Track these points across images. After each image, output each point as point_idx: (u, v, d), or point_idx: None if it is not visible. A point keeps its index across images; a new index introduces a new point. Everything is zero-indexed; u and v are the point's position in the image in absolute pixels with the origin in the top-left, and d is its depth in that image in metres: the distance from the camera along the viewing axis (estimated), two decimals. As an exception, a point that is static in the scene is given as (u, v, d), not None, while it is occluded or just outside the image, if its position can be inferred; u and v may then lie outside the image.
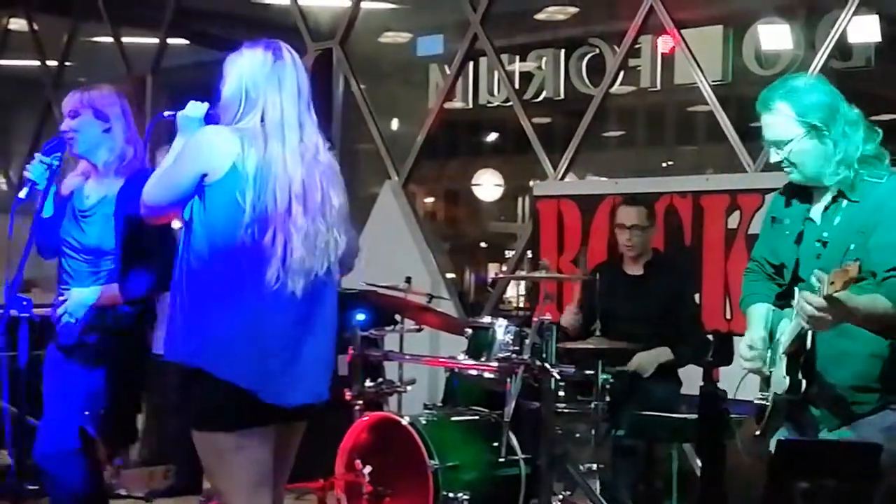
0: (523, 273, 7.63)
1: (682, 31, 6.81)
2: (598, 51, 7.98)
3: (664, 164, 9.12)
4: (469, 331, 5.13)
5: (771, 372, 3.32)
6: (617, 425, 5.05)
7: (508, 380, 4.81)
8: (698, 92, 6.75)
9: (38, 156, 4.10)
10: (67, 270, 4.18)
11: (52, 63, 11.29)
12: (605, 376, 4.99)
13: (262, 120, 3.29)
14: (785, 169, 3.36)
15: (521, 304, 9.35)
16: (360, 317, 5.35)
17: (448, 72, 8.31)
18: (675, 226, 6.21)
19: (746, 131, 6.32)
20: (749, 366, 3.34)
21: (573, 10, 8.61)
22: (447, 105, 8.42)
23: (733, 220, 6.00)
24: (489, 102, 8.72)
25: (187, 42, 10.65)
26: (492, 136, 10.56)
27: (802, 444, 3.28)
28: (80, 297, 4.10)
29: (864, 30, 6.41)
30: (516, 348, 4.90)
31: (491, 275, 10.41)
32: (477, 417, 5.13)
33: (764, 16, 7.06)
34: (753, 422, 3.38)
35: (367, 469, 4.90)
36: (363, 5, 8.60)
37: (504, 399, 4.81)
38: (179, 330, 3.29)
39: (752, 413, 3.41)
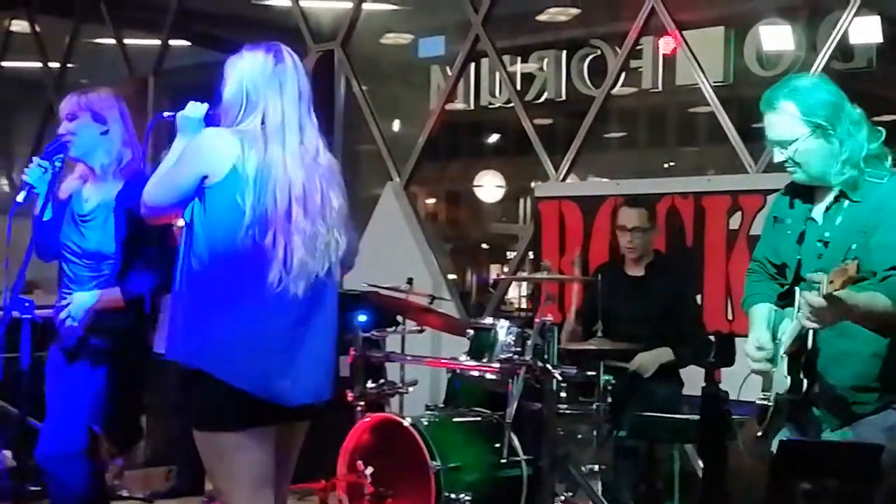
0: (525, 274, 7.64)
1: (684, 32, 6.82)
2: (599, 52, 7.99)
3: (665, 165, 9.13)
4: (471, 332, 5.13)
5: (772, 370, 3.32)
6: (619, 426, 5.05)
7: (510, 381, 4.81)
8: (700, 93, 6.75)
9: (35, 159, 4.10)
10: (68, 274, 4.19)
11: (54, 64, 11.30)
12: (606, 377, 4.99)
13: (263, 122, 3.30)
14: (788, 169, 3.35)
15: (523, 306, 9.35)
16: (362, 318, 5.36)
17: (449, 73, 8.32)
18: (677, 227, 6.21)
19: (748, 132, 6.32)
20: (758, 367, 3.33)
21: (575, 11, 8.61)
22: (448, 106, 8.42)
23: (735, 221, 6.00)
24: (491, 104, 8.72)
25: (189, 43, 10.66)
26: (493, 138, 10.56)
27: (804, 445, 3.28)
28: (82, 300, 4.10)
29: (866, 31, 6.41)
30: (518, 349, 4.91)
31: (492, 276, 10.42)
32: (479, 418, 5.13)
33: (765, 17, 7.06)
34: (755, 422, 3.38)
35: (369, 470, 4.90)
36: (365, 7, 8.60)
37: (506, 400, 4.81)
38: (180, 331, 3.29)
39: (753, 414, 3.41)
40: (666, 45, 7.23)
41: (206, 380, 3.22)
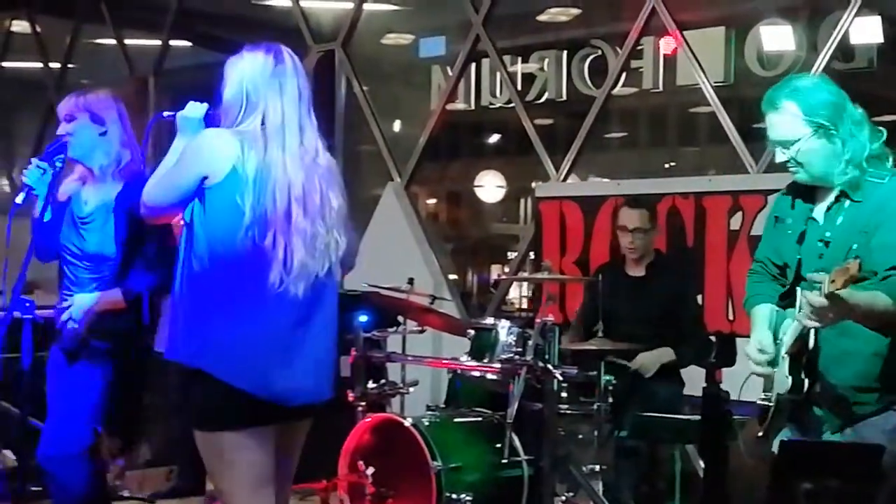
0: (525, 274, 7.64)
1: (685, 32, 6.81)
2: (600, 52, 7.99)
3: (666, 166, 9.13)
4: (471, 332, 5.13)
5: (774, 372, 3.32)
6: (620, 426, 5.05)
7: (511, 381, 4.81)
8: (700, 93, 6.75)
9: (34, 161, 4.10)
10: (69, 276, 4.19)
11: (54, 65, 11.30)
12: (607, 377, 4.99)
13: (263, 123, 3.31)
14: (791, 169, 3.35)
15: (524, 306, 9.35)
16: (363, 318, 5.35)
17: (450, 73, 8.32)
18: (678, 227, 6.21)
19: (749, 132, 6.32)
20: (759, 370, 3.33)
21: (575, 11, 8.62)
22: (449, 106, 8.42)
23: (735, 222, 6.00)
24: (491, 104, 8.73)
25: (190, 44, 10.67)
26: (494, 138, 10.57)
27: (805, 445, 3.28)
28: (83, 302, 4.11)
29: (866, 31, 6.42)
30: (519, 350, 4.91)
31: (493, 276, 10.42)
32: (480, 419, 5.13)
33: (766, 17, 7.07)
34: (756, 423, 3.38)
35: (370, 470, 4.90)
36: (365, 7, 8.60)
37: (507, 400, 4.81)
38: (180, 331, 3.30)
39: (754, 414, 3.41)
40: (667, 45, 7.23)
41: (207, 380, 3.23)
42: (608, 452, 5.07)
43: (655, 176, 7.76)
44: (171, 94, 9.73)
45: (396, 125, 9.47)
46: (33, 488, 4.66)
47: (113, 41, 10.64)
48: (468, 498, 4.68)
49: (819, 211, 3.36)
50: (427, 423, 4.87)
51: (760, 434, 3.35)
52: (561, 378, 4.85)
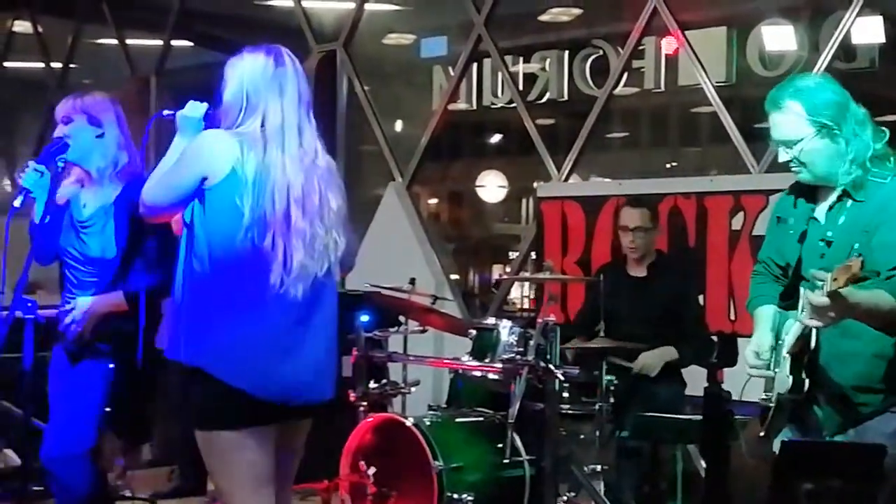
0: (527, 274, 7.65)
1: (686, 32, 6.82)
2: (601, 52, 8.00)
3: (668, 166, 9.13)
4: (473, 332, 5.13)
5: (775, 372, 3.32)
6: (621, 426, 5.05)
7: (512, 381, 4.81)
8: (702, 93, 6.76)
9: (31, 164, 4.10)
10: (71, 279, 4.19)
11: (56, 65, 11.32)
12: (609, 377, 4.99)
13: (263, 125, 3.32)
14: (794, 168, 3.35)
15: (525, 306, 9.35)
16: (364, 318, 5.35)
17: (452, 73, 8.33)
18: (679, 227, 6.21)
19: (750, 132, 6.32)
20: (755, 373, 3.34)
21: (577, 11, 8.63)
22: (451, 106, 8.43)
23: (737, 222, 6.00)
24: (493, 104, 8.74)
25: (191, 44, 10.67)
26: (495, 138, 10.57)
27: (806, 446, 3.28)
28: (86, 305, 4.11)
29: (868, 31, 6.42)
30: (520, 349, 4.90)
31: (495, 276, 10.42)
32: (481, 419, 5.13)
33: (768, 17, 7.07)
34: (758, 423, 3.38)
35: (372, 470, 4.90)
36: (367, 7, 8.61)
37: (508, 400, 4.81)
38: (180, 331, 3.31)
39: (756, 414, 3.41)
40: (668, 45, 7.24)
41: (207, 379, 3.24)
42: (610, 452, 5.07)
43: (657, 176, 7.76)
44: (172, 94, 9.74)
45: (398, 125, 9.47)
46: (35, 488, 4.66)
47: (115, 41, 10.65)
48: (470, 498, 4.68)
49: (821, 211, 3.35)
50: (428, 423, 4.87)
51: (762, 434, 3.35)
52: (562, 378, 4.85)
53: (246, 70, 3.35)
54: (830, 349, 3.24)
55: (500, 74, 8.27)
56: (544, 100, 8.32)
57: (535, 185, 7.51)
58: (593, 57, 8.06)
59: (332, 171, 3.45)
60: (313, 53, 8.66)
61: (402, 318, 5.86)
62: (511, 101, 8.01)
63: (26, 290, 4.07)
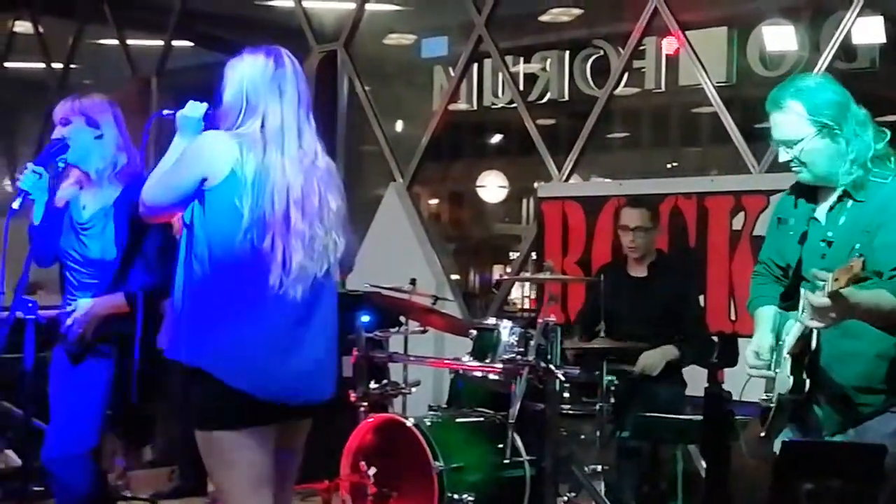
0: (528, 275, 7.65)
1: (687, 32, 6.82)
2: (602, 52, 8.00)
3: (669, 166, 9.13)
4: (473, 332, 5.13)
5: (776, 373, 3.32)
6: (622, 427, 5.05)
7: (513, 381, 4.81)
8: (703, 93, 6.76)
9: (30, 165, 4.10)
10: (72, 281, 4.19)
11: (57, 65, 11.32)
12: (609, 378, 4.99)
13: (262, 126, 3.32)
14: (794, 168, 3.35)
15: (526, 306, 9.36)
16: (365, 318, 5.35)
17: (452, 73, 8.33)
18: (680, 227, 6.21)
19: (751, 132, 6.32)
20: (755, 373, 3.34)
21: (577, 11, 8.63)
22: (451, 107, 8.43)
23: (738, 222, 6.00)
24: (493, 104, 8.74)
25: (192, 44, 10.68)
26: (496, 138, 10.57)
27: (807, 446, 3.28)
28: (87, 307, 4.11)
29: (869, 31, 6.42)
30: (521, 350, 4.90)
31: (495, 276, 10.42)
32: (482, 419, 5.13)
33: (768, 17, 7.07)
34: (758, 423, 3.38)
35: (372, 470, 4.90)
36: (367, 7, 8.61)
37: (509, 400, 4.81)
38: (181, 331, 3.32)
39: (756, 414, 3.41)
40: (669, 45, 7.24)
41: (206, 379, 3.24)
42: (610, 453, 5.07)
43: (658, 176, 7.76)
44: (173, 95, 9.74)
45: (398, 125, 9.48)
46: (36, 489, 4.66)
47: (115, 42, 10.66)
48: (470, 498, 4.68)
49: (821, 211, 3.35)
50: (429, 424, 4.87)
51: (762, 434, 3.35)
52: (563, 378, 4.85)
53: (246, 71, 3.36)
54: (831, 350, 3.23)
55: (500, 75, 8.27)
56: (545, 100, 8.32)
57: (535, 185, 7.51)
58: (594, 57, 8.07)
59: (332, 172, 3.46)
60: (314, 53, 8.67)
61: (402, 319, 5.86)
62: (512, 102, 8.02)
63: (27, 290, 4.07)
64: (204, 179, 3.26)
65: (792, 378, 3.24)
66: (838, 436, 3.27)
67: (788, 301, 3.37)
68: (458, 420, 5.13)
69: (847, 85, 3.39)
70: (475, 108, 8.95)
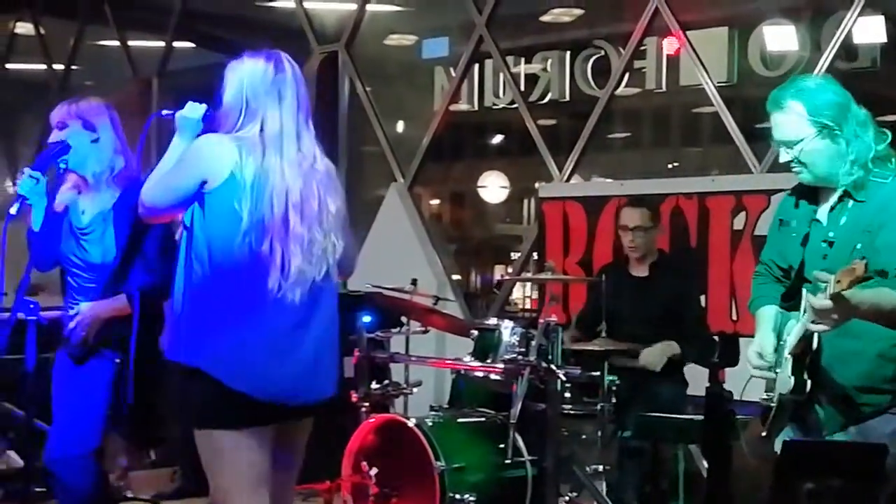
0: (529, 275, 7.65)
1: (688, 32, 6.82)
2: (603, 52, 8.00)
3: (670, 166, 9.13)
4: (475, 333, 5.13)
5: (777, 373, 3.32)
6: (623, 426, 5.05)
7: (514, 381, 4.81)
8: (704, 93, 6.76)
9: (27, 170, 4.09)
10: (73, 285, 4.20)
11: (58, 66, 11.32)
12: (611, 378, 4.99)
13: (262, 131, 3.34)
14: (794, 169, 3.35)
15: (527, 306, 9.36)
16: (366, 319, 5.36)
17: (453, 74, 8.33)
18: (681, 227, 6.21)
19: (752, 132, 6.32)
20: (757, 373, 3.34)
21: (578, 12, 8.63)
22: (452, 107, 8.43)
23: (739, 221, 6.00)
24: (494, 104, 8.74)
25: (193, 45, 10.68)
26: (497, 138, 10.57)
27: (808, 445, 3.28)
28: (90, 310, 4.11)
29: (870, 31, 6.42)
30: (522, 350, 4.91)
31: (496, 277, 10.42)
32: (483, 419, 5.14)
33: (769, 17, 7.07)
34: (759, 422, 3.38)
35: (374, 471, 4.90)
36: (368, 8, 8.61)
37: (510, 401, 4.81)
38: (180, 332, 3.33)
39: (757, 414, 3.41)
40: (670, 45, 7.24)
41: (205, 380, 3.25)
42: (612, 452, 5.07)
43: (659, 176, 7.76)
44: (174, 96, 9.74)
45: (400, 126, 9.48)
46: (37, 489, 4.67)
47: (116, 43, 10.66)
48: (472, 498, 4.68)
49: (822, 212, 3.36)
50: (430, 424, 4.88)
51: (763, 434, 3.35)
52: (564, 378, 4.85)
53: (246, 75, 3.37)
54: (832, 350, 3.23)
55: (501, 75, 8.27)
56: (546, 100, 8.32)
57: (536, 185, 7.51)
58: (595, 57, 8.07)
59: (331, 174, 3.46)
60: (315, 54, 8.67)
61: (403, 319, 5.86)
62: (513, 102, 8.02)
63: (28, 291, 4.08)
64: (204, 182, 3.27)
65: (793, 378, 3.24)
66: (839, 435, 3.27)
67: (790, 302, 3.38)
68: (459, 420, 5.13)
69: (848, 85, 3.39)
70: (476, 108, 8.95)
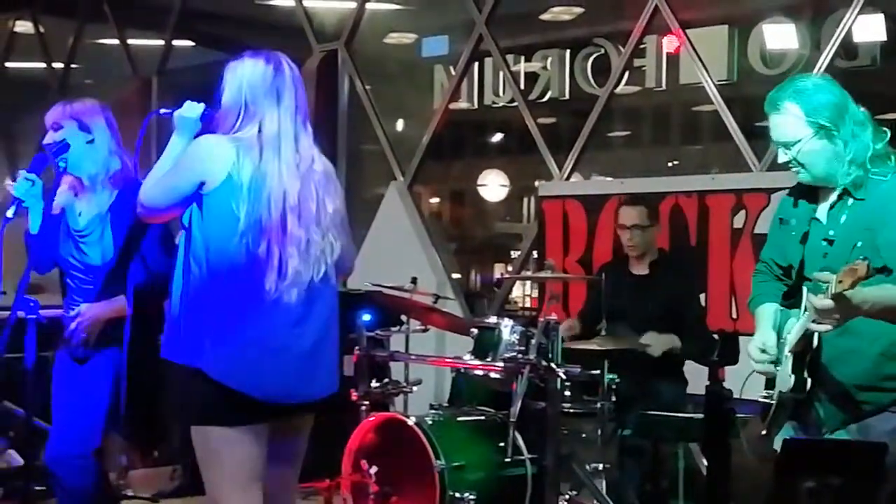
0: (529, 273, 7.65)
1: (687, 30, 6.82)
2: (603, 51, 7.99)
3: (669, 164, 9.12)
4: (475, 331, 5.13)
5: (777, 371, 3.32)
6: (623, 425, 5.05)
7: (514, 380, 4.81)
8: (703, 92, 6.75)
9: (22, 173, 4.09)
10: (72, 287, 4.20)
11: (58, 65, 11.32)
12: (610, 376, 4.99)
13: (260, 131, 3.34)
14: (793, 169, 3.36)
15: (527, 305, 9.35)
16: (366, 317, 5.36)
17: (453, 72, 8.33)
18: (681, 225, 6.20)
19: (752, 131, 6.32)
20: (759, 368, 3.34)
21: (578, 10, 8.63)
22: (452, 106, 8.42)
23: (739, 220, 6.00)
24: (494, 103, 8.73)
25: (193, 44, 10.68)
26: (497, 137, 10.56)
27: (808, 444, 3.28)
28: (90, 311, 4.11)
29: (870, 29, 6.41)
30: (522, 348, 4.90)
31: (496, 275, 10.42)
32: (483, 417, 5.14)
33: (769, 15, 7.06)
34: (759, 421, 3.38)
35: (374, 469, 4.90)
36: (368, 6, 8.61)
37: (510, 399, 4.81)
38: (178, 331, 3.34)
39: (757, 412, 3.42)
40: (669, 43, 7.23)
41: (202, 378, 3.27)
42: (612, 451, 5.07)
43: (658, 174, 7.74)
44: (174, 94, 9.74)
45: (399, 124, 9.47)
46: (38, 488, 4.67)
47: (116, 41, 10.66)
48: (471, 497, 4.68)
49: (822, 210, 3.36)
50: (430, 422, 4.88)
51: (763, 432, 3.35)
52: (564, 377, 4.85)
53: (245, 76, 3.38)
54: (832, 348, 3.23)
55: (501, 73, 8.27)
56: (546, 99, 8.31)
57: (536, 183, 7.50)
58: (594, 56, 8.06)
59: (330, 175, 3.47)
60: (315, 53, 8.67)
61: (403, 318, 5.86)
62: (512, 100, 8.01)
63: (29, 290, 4.08)
64: (202, 183, 3.28)
65: (793, 377, 3.24)
66: (839, 433, 3.27)
67: (790, 300, 3.38)
68: (459, 419, 5.13)
69: (848, 83, 3.40)
70: (476, 106, 8.93)
